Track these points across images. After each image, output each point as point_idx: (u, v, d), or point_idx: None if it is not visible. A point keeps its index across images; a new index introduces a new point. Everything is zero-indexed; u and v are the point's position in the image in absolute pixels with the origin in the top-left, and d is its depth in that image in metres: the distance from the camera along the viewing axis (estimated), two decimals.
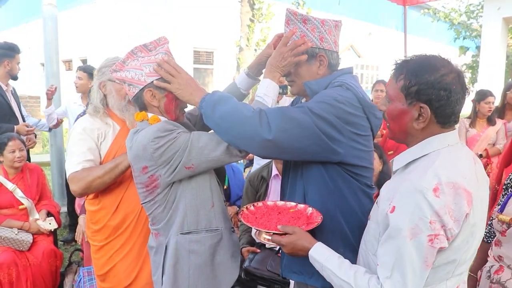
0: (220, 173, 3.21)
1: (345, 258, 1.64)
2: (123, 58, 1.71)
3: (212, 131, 1.68)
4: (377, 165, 2.74)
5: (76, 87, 4.43)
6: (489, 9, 8.22)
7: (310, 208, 1.64)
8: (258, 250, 2.94)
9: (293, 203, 1.70)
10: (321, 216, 1.55)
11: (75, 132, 2.14)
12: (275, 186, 3.05)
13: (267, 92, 1.69)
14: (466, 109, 5.15)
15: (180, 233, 1.71)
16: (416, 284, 1.20)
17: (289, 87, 1.89)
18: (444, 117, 1.28)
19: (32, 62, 18.70)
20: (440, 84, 1.24)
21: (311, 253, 1.44)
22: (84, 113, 3.93)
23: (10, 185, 3.25)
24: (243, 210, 1.68)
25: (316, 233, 1.66)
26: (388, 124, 1.40)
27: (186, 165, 1.61)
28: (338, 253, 1.48)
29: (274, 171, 3.09)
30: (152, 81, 1.66)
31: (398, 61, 1.37)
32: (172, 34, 13.85)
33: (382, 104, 1.39)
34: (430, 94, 1.25)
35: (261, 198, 3.12)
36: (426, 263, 1.18)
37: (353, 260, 1.63)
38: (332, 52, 1.72)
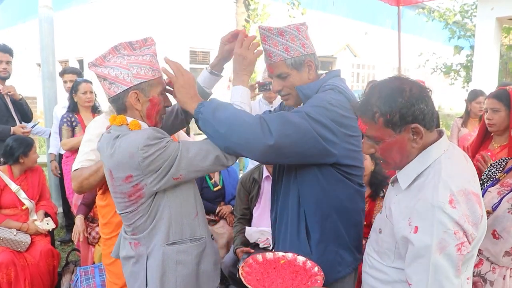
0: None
1: (341, 257, 1.71)
2: (104, 53, 1.60)
3: (199, 139, 1.68)
4: (369, 165, 2.79)
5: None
6: (483, 9, 8.27)
7: (300, 257, 1.58)
8: (252, 250, 2.99)
9: (280, 253, 1.60)
10: (318, 267, 1.50)
11: (86, 131, 2.26)
12: (266, 188, 3.10)
13: (242, 100, 1.69)
14: (461, 108, 5.15)
15: (167, 244, 1.66)
16: None
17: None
18: (430, 123, 1.34)
19: (29, 62, 18.67)
20: (414, 99, 1.30)
21: None
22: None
23: (14, 186, 3.31)
24: (242, 267, 1.56)
25: (312, 235, 1.72)
26: (382, 160, 1.44)
27: (174, 176, 1.56)
28: (333, 252, 1.56)
29: (265, 173, 3.14)
30: (139, 83, 1.57)
31: (356, 105, 1.40)
32: (169, 34, 13.86)
33: (368, 149, 1.42)
34: (413, 112, 1.30)
35: (253, 200, 3.16)
36: (458, 270, 1.26)
37: (348, 259, 1.71)
38: (314, 54, 1.78)
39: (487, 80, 7.77)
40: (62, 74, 4.55)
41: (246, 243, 3.12)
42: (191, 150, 1.58)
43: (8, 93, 3.94)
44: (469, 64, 12.38)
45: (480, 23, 8.39)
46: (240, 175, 3.88)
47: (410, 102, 1.30)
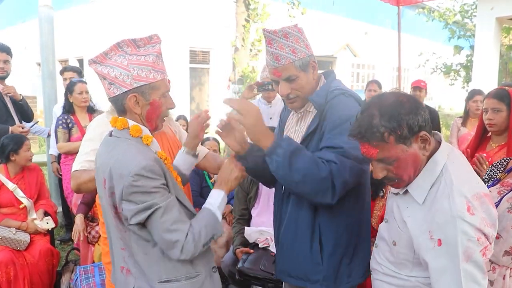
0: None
1: (351, 269, 1.76)
2: (106, 50, 1.52)
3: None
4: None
5: None
6: (482, 9, 8.27)
7: None
8: (251, 251, 2.99)
9: None
10: None
11: (87, 131, 2.23)
12: (265, 188, 3.09)
13: (220, 206, 1.63)
14: (462, 108, 5.16)
15: (159, 282, 1.52)
16: None
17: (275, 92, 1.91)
18: (430, 129, 1.37)
19: (29, 62, 18.66)
20: (415, 108, 1.32)
21: None
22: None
23: (10, 185, 3.31)
24: None
25: (325, 248, 1.74)
26: (397, 180, 1.42)
27: (141, 221, 1.45)
28: (345, 264, 1.66)
29: None
30: (139, 86, 1.48)
31: (358, 132, 1.37)
32: (169, 34, 13.85)
33: (380, 173, 1.40)
34: (417, 121, 1.31)
35: (252, 200, 3.15)
36: (485, 272, 1.29)
37: (360, 271, 1.77)
38: (313, 55, 1.78)
39: (487, 80, 7.77)
40: (62, 72, 4.57)
41: (245, 243, 3.12)
42: (166, 216, 1.44)
43: (8, 94, 3.94)
44: (469, 64, 12.39)
45: (480, 23, 8.39)
46: None
47: (413, 111, 1.31)
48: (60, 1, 15.09)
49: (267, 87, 3.46)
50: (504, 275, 1.79)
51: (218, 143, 3.96)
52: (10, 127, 3.84)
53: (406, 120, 1.30)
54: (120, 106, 1.53)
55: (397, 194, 1.51)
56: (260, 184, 3.15)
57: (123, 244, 1.56)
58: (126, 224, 1.49)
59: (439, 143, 1.42)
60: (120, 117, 1.56)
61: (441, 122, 5.43)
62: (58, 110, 4.46)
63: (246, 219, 3.20)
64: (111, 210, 1.52)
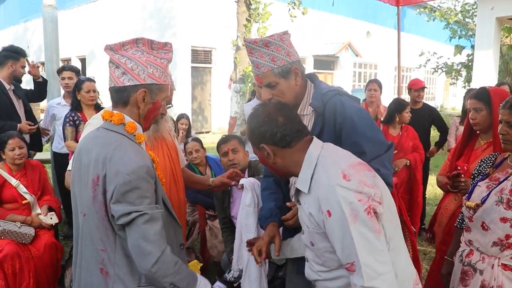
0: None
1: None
2: (124, 42, 1.57)
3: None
4: None
5: (69, 87, 4.49)
6: (483, 9, 8.31)
7: None
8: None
9: None
10: None
11: (85, 129, 2.26)
12: (236, 194, 3.05)
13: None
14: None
15: (137, 286, 1.52)
16: (378, 250, 1.37)
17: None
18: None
19: (32, 60, 18.70)
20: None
21: None
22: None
23: (13, 181, 3.37)
24: None
25: None
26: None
27: (126, 222, 1.44)
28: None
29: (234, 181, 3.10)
30: (151, 83, 1.55)
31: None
32: (171, 33, 13.94)
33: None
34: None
35: (227, 209, 3.13)
36: (376, 231, 1.37)
37: None
38: (299, 61, 1.86)
39: (487, 80, 7.81)
40: (60, 71, 4.65)
41: None
42: (150, 225, 1.43)
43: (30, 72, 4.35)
44: (470, 63, 12.40)
45: (480, 23, 8.43)
46: None
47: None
48: (63, 1, 15.18)
49: None
50: (493, 265, 1.85)
51: (200, 142, 4.01)
52: (18, 125, 3.92)
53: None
54: (125, 97, 1.56)
55: (297, 201, 1.61)
56: (231, 192, 3.11)
57: (102, 245, 1.52)
58: (114, 223, 1.48)
59: (311, 140, 1.57)
60: (116, 112, 1.58)
61: None
62: (52, 105, 4.66)
63: (228, 226, 3.18)
64: (100, 209, 1.48)
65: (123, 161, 1.44)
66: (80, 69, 18.49)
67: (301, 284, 1.91)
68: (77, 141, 3.98)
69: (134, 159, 1.46)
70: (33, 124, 4.06)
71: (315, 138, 1.58)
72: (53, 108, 4.68)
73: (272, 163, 1.58)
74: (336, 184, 1.37)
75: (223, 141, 3.11)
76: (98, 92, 4.17)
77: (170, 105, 2.39)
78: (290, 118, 1.55)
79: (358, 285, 1.37)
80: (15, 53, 4.13)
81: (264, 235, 1.90)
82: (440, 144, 5.06)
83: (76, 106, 4.09)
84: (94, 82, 4.16)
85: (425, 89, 5.05)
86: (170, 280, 1.47)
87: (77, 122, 4.02)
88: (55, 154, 4.70)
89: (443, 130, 4.96)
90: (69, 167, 2.21)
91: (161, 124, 2.26)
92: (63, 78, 4.57)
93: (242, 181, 2.42)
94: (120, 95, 1.56)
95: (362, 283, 1.36)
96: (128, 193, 1.42)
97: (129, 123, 1.56)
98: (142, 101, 1.56)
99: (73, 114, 4.04)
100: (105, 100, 4.38)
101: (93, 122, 2.24)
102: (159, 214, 1.48)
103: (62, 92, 4.79)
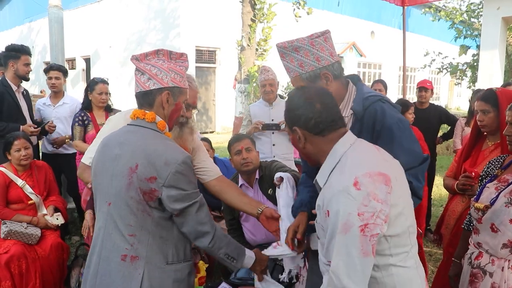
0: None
1: None
2: (147, 52, 1.75)
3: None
4: None
5: (56, 87, 4.48)
6: (489, 8, 8.27)
7: None
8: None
9: None
10: None
11: (103, 128, 2.29)
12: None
13: (247, 259, 1.92)
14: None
15: (167, 263, 1.70)
16: (355, 270, 1.30)
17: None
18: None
19: (37, 60, 18.82)
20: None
21: None
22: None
23: (19, 181, 3.38)
24: None
25: None
26: None
27: (180, 208, 1.65)
28: None
29: (241, 181, 3.10)
30: (173, 86, 1.72)
31: None
32: (175, 33, 13.96)
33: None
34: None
35: (237, 212, 3.08)
36: (363, 251, 1.30)
37: None
38: (332, 65, 1.81)
39: (492, 80, 7.78)
40: (47, 71, 4.55)
41: None
42: (201, 211, 1.70)
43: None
44: (475, 64, 12.35)
45: (486, 23, 8.39)
46: None
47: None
48: (67, 1, 15.23)
49: (272, 127, 3.98)
50: (503, 267, 1.84)
51: (210, 142, 3.99)
52: (21, 127, 3.92)
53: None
54: (151, 99, 1.73)
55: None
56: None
57: (131, 231, 1.65)
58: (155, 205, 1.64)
59: (345, 133, 1.51)
60: (148, 111, 1.73)
61: None
62: (39, 104, 4.60)
63: (235, 228, 3.18)
64: (136, 194, 1.61)
65: (170, 153, 1.64)
66: (85, 68, 18.51)
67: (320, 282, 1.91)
68: (84, 141, 4.01)
69: (178, 150, 1.67)
70: (36, 126, 4.05)
71: (349, 132, 1.53)
72: (39, 108, 4.63)
73: (302, 147, 1.55)
74: (344, 190, 1.32)
75: (236, 139, 3.09)
76: (110, 94, 4.16)
77: (196, 110, 2.42)
78: (328, 106, 1.52)
79: (324, 284, 1.43)
80: (14, 52, 4.06)
81: (292, 223, 1.99)
82: (448, 135, 5.05)
83: (86, 105, 4.06)
84: (108, 84, 4.12)
85: (430, 90, 5.01)
86: (224, 251, 1.79)
87: (86, 122, 4.01)
88: (43, 155, 4.64)
89: (453, 122, 4.92)
90: (83, 160, 2.26)
91: (185, 132, 2.25)
92: (50, 78, 4.47)
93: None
94: (146, 98, 1.73)
95: (325, 286, 1.40)
96: (180, 180, 1.62)
97: (160, 122, 1.74)
98: (166, 102, 1.73)
99: (82, 114, 4.02)
100: (115, 101, 4.41)
101: (114, 119, 2.29)
102: (202, 197, 1.73)
103: (49, 92, 4.69)
